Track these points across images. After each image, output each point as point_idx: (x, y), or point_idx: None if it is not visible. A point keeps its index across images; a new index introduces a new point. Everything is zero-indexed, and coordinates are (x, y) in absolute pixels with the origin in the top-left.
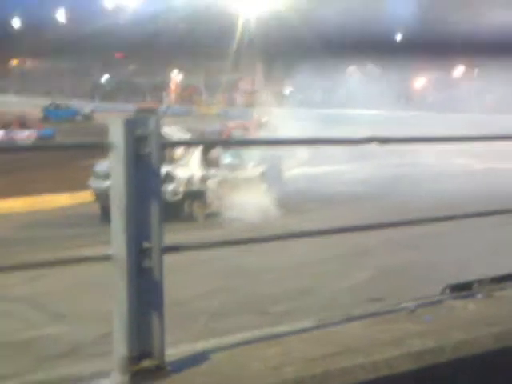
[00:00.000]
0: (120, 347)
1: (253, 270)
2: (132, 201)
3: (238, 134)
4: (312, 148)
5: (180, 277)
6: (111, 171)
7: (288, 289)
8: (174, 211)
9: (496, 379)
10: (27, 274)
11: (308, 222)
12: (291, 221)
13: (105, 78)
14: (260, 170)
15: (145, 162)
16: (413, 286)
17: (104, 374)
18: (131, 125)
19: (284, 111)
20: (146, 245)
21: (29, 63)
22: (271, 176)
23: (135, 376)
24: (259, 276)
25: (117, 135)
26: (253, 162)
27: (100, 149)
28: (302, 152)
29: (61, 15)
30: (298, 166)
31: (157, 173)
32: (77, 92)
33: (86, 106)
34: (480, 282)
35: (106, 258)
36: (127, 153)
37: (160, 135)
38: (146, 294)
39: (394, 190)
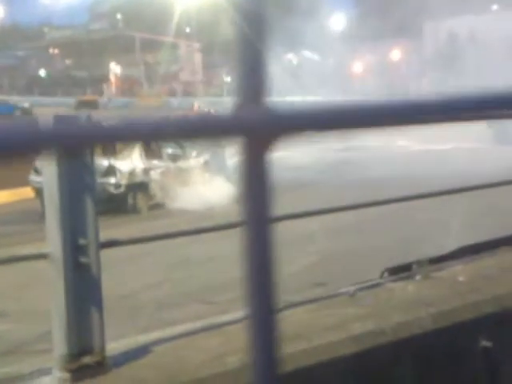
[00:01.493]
0: (60, 345)
1: (198, 259)
2: (65, 197)
3: None
4: None
5: (124, 269)
6: (43, 167)
7: (234, 277)
8: (118, 204)
9: (435, 358)
10: None
11: None
12: (235, 209)
13: (42, 72)
14: (203, 159)
15: (77, 157)
16: (356, 270)
17: (45, 372)
18: (61, 120)
19: (226, 100)
20: (81, 241)
21: None
22: (214, 165)
23: (76, 373)
24: (205, 265)
25: None
26: (195, 151)
27: None
28: None
29: None
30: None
31: (90, 168)
32: (15, 87)
33: (24, 101)
34: (418, 263)
35: (42, 256)
36: None
37: None
38: (83, 290)
39: (335, 176)
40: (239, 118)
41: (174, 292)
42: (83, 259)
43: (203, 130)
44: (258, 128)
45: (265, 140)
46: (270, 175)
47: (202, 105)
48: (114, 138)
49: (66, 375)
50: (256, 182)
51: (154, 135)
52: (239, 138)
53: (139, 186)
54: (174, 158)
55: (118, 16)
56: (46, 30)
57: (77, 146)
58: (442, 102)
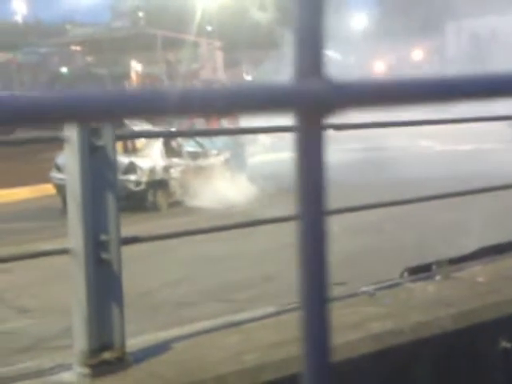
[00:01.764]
0: (80, 340)
1: (217, 257)
2: (88, 194)
3: (199, 122)
4: (274, 134)
5: (144, 266)
6: (67, 164)
7: (252, 276)
8: (138, 201)
9: (454, 359)
10: None
11: (271, 208)
12: (255, 207)
13: (64, 69)
14: (223, 157)
15: (99, 154)
16: (376, 269)
17: (66, 367)
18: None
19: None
20: (103, 237)
21: None
22: (235, 163)
23: (96, 368)
24: (223, 263)
25: (70, 128)
26: (215, 149)
27: (57, 142)
28: (265, 138)
29: (18, 6)
30: (261, 152)
31: (112, 165)
32: (36, 83)
33: None
34: (438, 263)
35: (64, 252)
36: (81, 145)
37: (113, 128)
38: (104, 286)
39: (357, 176)
40: (296, 90)
41: (192, 290)
42: (104, 255)
43: (257, 102)
44: (316, 100)
45: (323, 112)
46: (326, 150)
47: None
48: (159, 109)
49: (87, 370)
50: (312, 156)
51: (203, 107)
52: (295, 111)
53: (159, 184)
54: (194, 155)
55: (140, 14)
56: (68, 27)
57: (103, 114)
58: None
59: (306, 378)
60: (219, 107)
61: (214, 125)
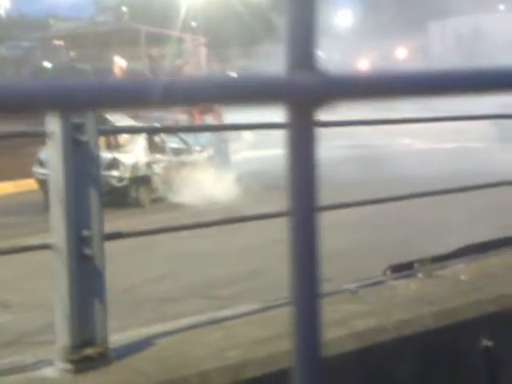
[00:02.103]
0: (62, 336)
1: (200, 253)
2: (71, 189)
3: (182, 118)
4: (258, 131)
5: (127, 262)
6: (49, 159)
7: (236, 272)
8: (120, 197)
9: (436, 357)
10: None
11: (256, 204)
12: (238, 204)
13: (47, 63)
14: (206, 154)
15: (82, 149)
16: (360, 267)
17: (47, 363)
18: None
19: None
20: (86, 233)
21: None
22: (218, 160)
23: (78, 364)
24: (207, 260)
25: (53, 123)
26: (199, 146)
27: (40, 136)
28: (248, 135)
29: (1, 0)
30: (245, 149)
31: (95, 160)
32: (20, 78)
33: None
34: (421, 261)
35: (47, 247)
36: (64, 140)
37: (97, 123)
38: (87, 282)
39: (341, 173)
40: (287, 82)
41: (176, 286)
42: (87, 251)
43: (247, 93)
44: (307, 92)
45: (314, 105)
46: (317, 143)
47: None
48: (144, 100)
49: (69, 366)
50: (303, 149)
51: (190, 97)
52: (286, 103)
53: (142, 180)
54: (178, 152)
55: (124, 9)
56: (51, 21)
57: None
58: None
59: (297, 372)
60: (208, 97)
61: (198, 121)
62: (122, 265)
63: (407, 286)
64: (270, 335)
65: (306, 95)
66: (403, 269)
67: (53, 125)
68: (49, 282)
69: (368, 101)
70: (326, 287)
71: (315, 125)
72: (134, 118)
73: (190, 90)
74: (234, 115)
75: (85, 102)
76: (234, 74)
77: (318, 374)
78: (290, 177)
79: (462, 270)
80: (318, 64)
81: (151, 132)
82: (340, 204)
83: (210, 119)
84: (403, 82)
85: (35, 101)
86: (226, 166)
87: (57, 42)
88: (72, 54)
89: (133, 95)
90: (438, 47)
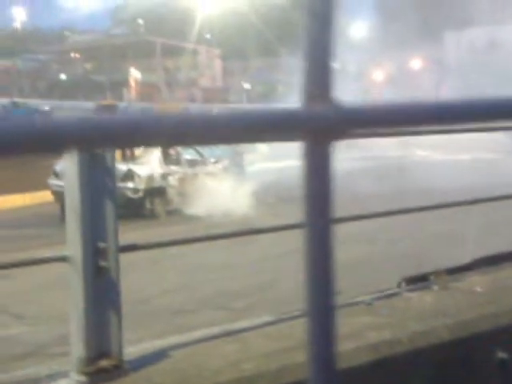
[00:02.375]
0: (77, 348)
1: (214, 265)
2: (86, 201)
3: None
4: (273, 144)
5: (142, 274)
6: (65, 171)
7: (249, 284)
8: (136, 209)
9: (451, 369)
10: None
11: (270, 216)
12: (252, 216)
13: (62, 76)
14: (221, 165)
15: (99, 161)
16: (372, 279)
17: (62, 375)
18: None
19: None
20: (101, 245)
21: None
22: (233, 172)
23: (93, 376)
24: (221, 272)
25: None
26: (214, 158)
27: None
28: (263, 147)
29: (17, 13)
30: (259, 160)
31: (111, 172)
32: (36, 90)
33: (45, 104)
34: (436, 273)
35: (63, 259)
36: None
37: None
38: (102, 294)
39: (354, 185)
40: (304, 114)
41: (190, 298)
42: (103, 263)
43: (264, 127)
44: (325, 124)
45: (331, 137)
46: (333, 174)
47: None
48: (156, 137)
49: (84, 378)
50: (320, 180)
51: (205, 134)
52: (304, 135)
53: (157, 191)
54: (193, 163)
55: (140, 22)
56: (67, 34)
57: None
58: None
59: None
60: (224, 134)
61: None
62: (137, 277)
63: (422, 298)
64: (284, 347)
65: (323, 126)
66: (418, 281)
67: None
68: (64, 294)
69: (384, 131)
70: (339, 299)
71: (332, 156)
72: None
73: (205, 127)
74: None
75: (97, 140)
76: (247, 86)
77: None
78: (307, 211)
79: (477, 282)
80: (335, 95)
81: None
82: (355, 216)
83: None
84: (419, 112)
85: (56, 140)
86: (241, 178)
87: (73, 55)
88: (88, 66)
89: (144, 132)
90: (453, 58)
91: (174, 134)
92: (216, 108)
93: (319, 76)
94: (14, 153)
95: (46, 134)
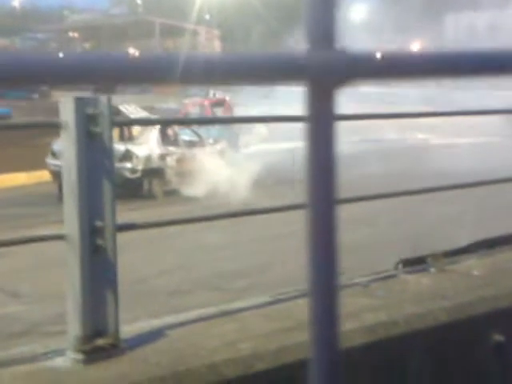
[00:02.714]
0: (74, 326)
1: (211, 246)
2: (84, 180)
3: (194, 111)
4: (271, 124)
5: (139, 254)
6: (63, 150)
7: (246, 265)
8: (134, 189)
9: (448, 351)
10: None
11: (267, 198)
12: (250, 197)
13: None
14: (219, 146)
15: (96, 140)
16: (370, 261)
17: (59, 353)
18: (82, 103)
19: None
20: (98, 224)
21: None
22: (230, 153)
23: (90, 354)
24: (218, 252)
25: (68, 114)
26: (211, 139)
27: (54, 127)
28: (261, 128)
29: None
30: (257, 142)
31: (108, 152)
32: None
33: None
34: (433, 256)
35: (59, 238)
36: (78, 132)
37: (111, 114)
38: (99, 272)
39: (352, 168)
40: (308, 60)
41: (187, 278)
42: (100, 241)
43: (267, 71)
44: (329, 70)
45: (335, 83)
46: (337, 123)
47: (217, 93)
48: (162, 76)
49: (80, 356)
50: (323, 129)
51: (208, 74)
52: (307, 81)
53: (155, 172)
54: (191, 144)
55: (138, 1)
56: (66, 13)
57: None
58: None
59: (314, 364)
60: (228, 75)
61: (208, 113)
62: (134, 256)
63: (419, 281)
64: (282, 328)
65: (327, 73)
66: (415, 263)
67: (67, 115)
68: (60, 273)
69: (389, 80)
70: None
71: (336, 104)
72: (147, 109)
73: (209, 68)
74: (244, 108)
75: (104, 76)
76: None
77: (336, 366)
78: (309, 162)
79: (474, 264)
80: (339, 42)
81: (165, 124)
82: (358, 197)
83: (220, 112)
84: (424, 62)
85: (60, 73)
86: (239, 159)
87: (71, 34)
88: (86, 45)
89: (152, 71)
90: (452, 41)
91: (180, 73)
92: (210, 90)
93: (323, 21)
94: None
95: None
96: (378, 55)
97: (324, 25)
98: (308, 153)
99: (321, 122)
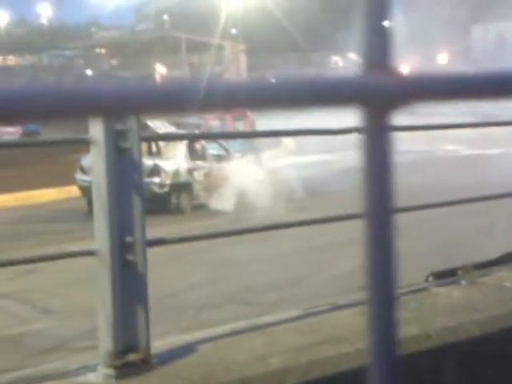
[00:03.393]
0: (105, 341)
1: (240, 260)
2: (114, 195)
3: (215, 125)
4: (298, 138)
5: (168, 269)
6: (93, 166)
7: (276, 279)
8: (162, 204)
9: (480, 365)
10: (14, 270)
11: (295, 211)
12: (279, 211)
13: (88, 72)
14: (246, 160)
15: (125, 156)
16: (403, 273)
17: (90, 368)
18: (111, 120)
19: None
20: (128, 239)
21: (11, 59)
22: (258, 166)
23: (121, 370)
24: (247, 267)
25: (97, 130)
26: (239, 152)
27: (83, 144)
28: (288, 141)
29: (44, 9)
30: (284, 155)
31: (138, 167)
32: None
33: None
34: (464, 268)
35: (90, 253)
36: (107, 147)
37: (139, 129)
38: (130, 288)
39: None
40: (363, 83)
41: (216, 292)
42: (130, 257)
43: (321, 95)
44: (384, 94)
45: (390, 107)
46: (393, 146)
47: None
48: (217, 101)
49: (112, 372)
50: (379, 151)
51: (255, 101)
52: (361, 105)
53: (183, 186)
54: (218, 158)
55: (165, 17)
56: (93, 30)
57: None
58: None
59: (373, 371)
60: (282, 101)
61: (231, 127)
62: (163, 271)
63: (450, 293)
64: (312, 342)
65: (383, 97)
66: (446, 275)
67: (96, 132)
68: (90, 288)
69: (445, 102)
70: (364, 295)
71: (391, 126)
72: (175, 124)
73: (260, 93)
74: (267, 121)
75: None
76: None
77: (394, 372)
78: (365, 179)
79: (506, 276)
80: (395, 64)
81: (194, 138)
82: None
83: (242, 126)
84: (480, 83)
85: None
86: (266, 173)
87: (98, 51)
88: (113, 62)
89: (201, 97)
90: (480, 51)
91: (240, 98)
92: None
93: (379, 44)
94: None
95: (73, 99)
96: (432, 77)
97: (379, 46)
98: (364, 164)
99: (377, 146)
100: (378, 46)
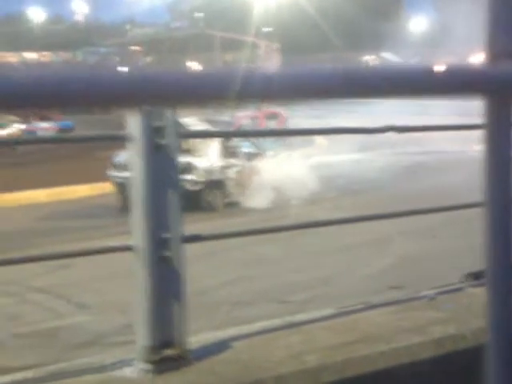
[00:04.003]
0: (142, 337)
1: (273, 258)
2: (150, 192)
3: (247, 123)
4: (330, 136)
5: (201, 266)
6: (130, 163)
7: (308, 277)
8: (195, 201)
9: None
10: (50, 265)
11: (328, 210)
12: (312, 209)
13: (123, 68)
14: (278, 158)
15: (162, 152)
16: (433, 274)
17: (127, 363)
18: (149, 116)
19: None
20: (165, 235)
21: (46, 55)
22: (290, 164)
23: (157, 365)
24: (279, 264)
25: (134, 127)
26: (271, 151)
27: (120, 140)
28: (321, 139)
29: (79, 6)
30: (317, 153)
31: (174, 163)
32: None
33: None
34: None
35: (127, 249)
36: (145, 144)
37: (176, 126)
38: (166, 283)
39: (410, 179)
40: (489, 72)
41: (248, 290)
42: (166, 253)
43: (444, 84)
44: (508, 84)
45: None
46: None
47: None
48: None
49: (149, 367)
50: (502, 140)
51: (350, 88)
52: (487, 93)
53: (216, 184)
54: (250, 156)
55: (199, 15)
56: (128, 27)
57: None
58: None
59: (491, 348)
60: (404, 88)
61: (262, 126)
62: (195, 268)
63: (486, 294)
64: (346, 340)
65: (507, 85)
66: (482, 276)
67: (133, 128)
68: (126, 283)
69: None
70: (399, 294)
71: None
72: (209, 122)
73: (386, 80)
74: (298, 120)
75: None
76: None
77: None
78: (487, 165)
79: None
80: None
81: (230, 136)
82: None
83: (274, 125)
84: None
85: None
86: (299, 171)
87: (133, 48)
88: (148, 59)
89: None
90: None
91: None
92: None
93: (503, 34)
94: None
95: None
96: None
97: (504, 37)
98: (486, 157)
99: (499, 132)
100: (503, 36)
